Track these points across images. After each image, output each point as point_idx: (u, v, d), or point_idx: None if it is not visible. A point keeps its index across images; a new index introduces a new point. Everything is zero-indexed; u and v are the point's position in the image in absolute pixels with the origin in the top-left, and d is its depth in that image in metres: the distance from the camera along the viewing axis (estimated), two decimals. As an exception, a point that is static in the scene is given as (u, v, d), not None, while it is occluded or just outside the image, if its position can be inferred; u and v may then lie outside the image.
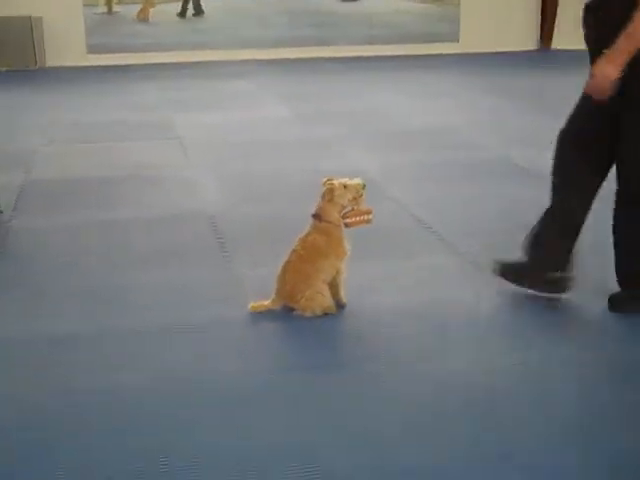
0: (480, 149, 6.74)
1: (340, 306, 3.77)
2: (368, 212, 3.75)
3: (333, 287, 3.76)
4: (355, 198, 3.70)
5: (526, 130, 7.45)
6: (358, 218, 3.73)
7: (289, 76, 10.83)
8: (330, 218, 3.71)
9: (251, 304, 3.73)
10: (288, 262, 3.72)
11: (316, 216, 3.73)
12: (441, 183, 5.80)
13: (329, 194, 3.68)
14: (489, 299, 3.91)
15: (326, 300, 3.70)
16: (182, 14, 17.57)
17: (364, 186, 3.71)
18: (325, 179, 3.73)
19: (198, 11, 17.34)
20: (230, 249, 4.55)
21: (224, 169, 6.25)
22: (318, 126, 7.69)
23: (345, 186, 3.69)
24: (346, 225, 3.73)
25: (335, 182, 3.70)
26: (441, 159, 6.44)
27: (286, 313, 3.71)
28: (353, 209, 3.73)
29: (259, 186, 5.78)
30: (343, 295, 3.79)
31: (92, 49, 11.68)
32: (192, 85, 10.13)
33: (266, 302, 3.73)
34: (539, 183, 5.74)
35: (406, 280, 4.12)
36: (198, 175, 6.07)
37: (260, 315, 3.70)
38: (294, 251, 3.72)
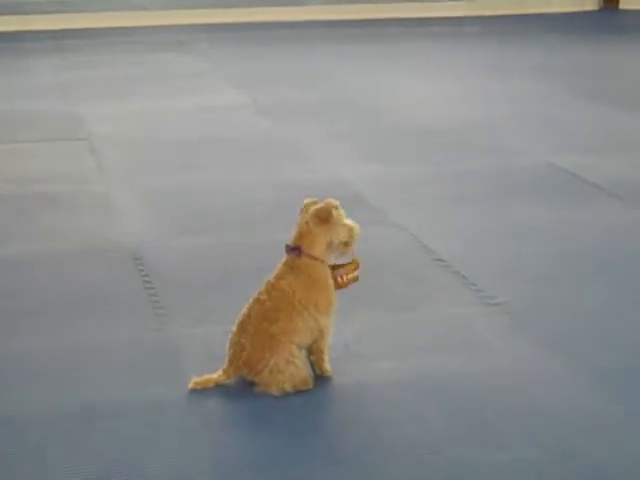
0: (518, 154, 6.80)
1: (322, 378, 3.76)
2: (357, 266, 3.80)
3: (314, 353, 3.76)
4: (347, 244, 3.74)
5: (584, 126, 7.52)
6: (351, 275, 3.78)
7: (247, 48, 10.89)
8: (315, 251, 3.69)
9: (193, 378, 3.70)
10: (247, 317, 3.69)
11: (293, 249, 3.70)
12: (464, 203, 5.84)
13: (326, 213, 3.66)
14: (533, 367, 3.90)
15: (299, 372, 3.69)
16: None
17: (358, 233, 3.75)
18: (308, 200, 3.72)
19: None
20: (162, 297, 4.53)
21: (152, 183, 6.26)
22: (286, 120, 7.75)
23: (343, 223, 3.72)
24: (337, 286, 3.76)
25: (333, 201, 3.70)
26: (463, 169, 6.49)
27: (242, 390, 3.68)
28: (345, 265, 3.76)
29: (201, 207, 5.79)
30: (328, 364, 3.78)
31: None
32: (109, 61, 10.18)
33: (214, 375, 3.71)
34: (605, 201, 5.79)
35: (415, 338, 4.12)
36: (116, 191, 6.08)
37: (205, 393, 3.67)
38: (257, 300, 3.70)
